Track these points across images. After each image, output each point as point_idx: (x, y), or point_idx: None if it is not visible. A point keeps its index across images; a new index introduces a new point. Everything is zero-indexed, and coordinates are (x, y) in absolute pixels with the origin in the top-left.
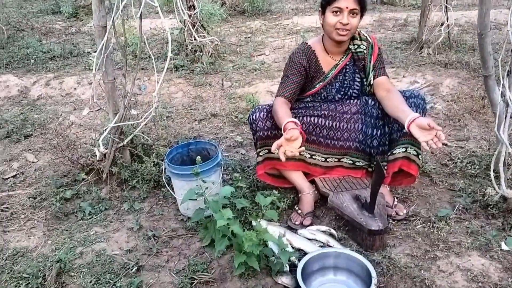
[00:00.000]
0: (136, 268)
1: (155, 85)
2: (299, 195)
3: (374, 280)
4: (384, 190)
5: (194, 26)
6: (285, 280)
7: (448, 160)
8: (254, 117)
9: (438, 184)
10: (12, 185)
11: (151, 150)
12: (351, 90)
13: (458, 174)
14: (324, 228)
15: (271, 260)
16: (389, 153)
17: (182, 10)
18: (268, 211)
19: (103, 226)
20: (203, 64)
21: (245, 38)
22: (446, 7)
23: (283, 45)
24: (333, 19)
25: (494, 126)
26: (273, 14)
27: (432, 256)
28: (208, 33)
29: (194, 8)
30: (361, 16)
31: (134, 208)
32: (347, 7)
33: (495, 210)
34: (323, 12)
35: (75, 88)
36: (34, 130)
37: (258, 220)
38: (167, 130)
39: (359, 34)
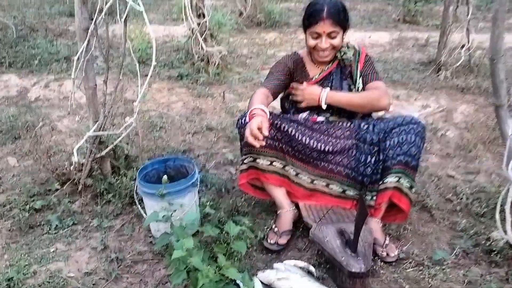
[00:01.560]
0: None
1: (150, 93)
2: (278, 212)
3: None
4: (375, 226)
5: (202, 35)
6: None
7: (452, 195)
8: (242, 121)
9: (438, 221)
10: None
11: (136, 163)
12: None
13: (462, 212)
14: (302, 264)
15: None
16: (380, 182)
17: (191, 18)
18: (236, 242)
19: (67, 243)
20: (209, 75)
21: (257, 50)
22: (467, 29)
23: None
24: (312, 42)
25: None
26: (290, 27)
27: None
28: (217, 43)
29: (204, 17)
30: (345, 32)
31: (103, 225)
32: (324, 31)
33: (499, 257)
34: (305, 31)
35: (73, 92)
36: (24, 133)
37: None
38: (157, 142)
39: (347, 44)
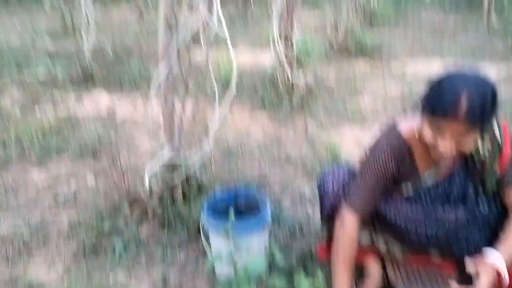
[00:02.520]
0: None
1: (230, 119)
2: (364, 278)
3: None
4: None
5: (289, 62)
6: None
7: None
8: (323, 189)
9: None
10: (61, 205)
11: (208, 191)
12: (461, 200)
13: None
14: None
15: None
16: None
17: (278, 45)
18: None
19: (127, 273)
20: (292, 103)
21: (346, 79)
22: None
23: (385, 90)
24: (431, 138)
25: None
26: (382, 54)
27: None
28: (304, 71)
29: (292, 44)
30: (484, 131)
31: (167, 257)
32: (454, 133)
33: None
34: (422, 113)
35: (151, 114)
36: (105, 150)
37: None
38: (232, 171)
39: None
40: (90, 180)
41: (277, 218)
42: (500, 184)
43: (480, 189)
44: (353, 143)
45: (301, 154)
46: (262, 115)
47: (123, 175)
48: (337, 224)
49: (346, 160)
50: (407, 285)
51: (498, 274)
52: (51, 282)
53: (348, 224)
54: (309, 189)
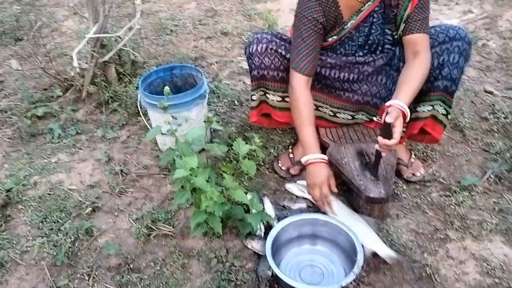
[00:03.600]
0: (91, 208)
1: None
2: (299, 138)
3: (359, 261)
4: (399, 145)
5: None
6: (255, 245)
7: (489, 113)
8: (251, 50)
9: (471, 142)
10: None
11: (143, 69)
12: (380, 48)
13: (498, 133)
14: None
15: (240, 222)
16: (413, 110)
17: None
18: (245, 162)
19: (70, 154)
20: None
21: None
22: None
23: None
24: None
25: None
26: None
27: (442, 236)
28: None
29: None
30: None
31: (108, 136)
32: None
33: None
34: None
35: None
36: (26, 33)
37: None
38: (166, 47)
39: None
40: (15, 65)
41: (215, 92)
42: (405, 23)
43: (396, 35)
44: (288, 11)
45: (237, 26)
46: None
47: (49, 57)
48: (289, 91)
49: (282, 29)
50: (337, 143)
51: (404, 115)
52: None
53: (297, 85)
54: (246, 62)
